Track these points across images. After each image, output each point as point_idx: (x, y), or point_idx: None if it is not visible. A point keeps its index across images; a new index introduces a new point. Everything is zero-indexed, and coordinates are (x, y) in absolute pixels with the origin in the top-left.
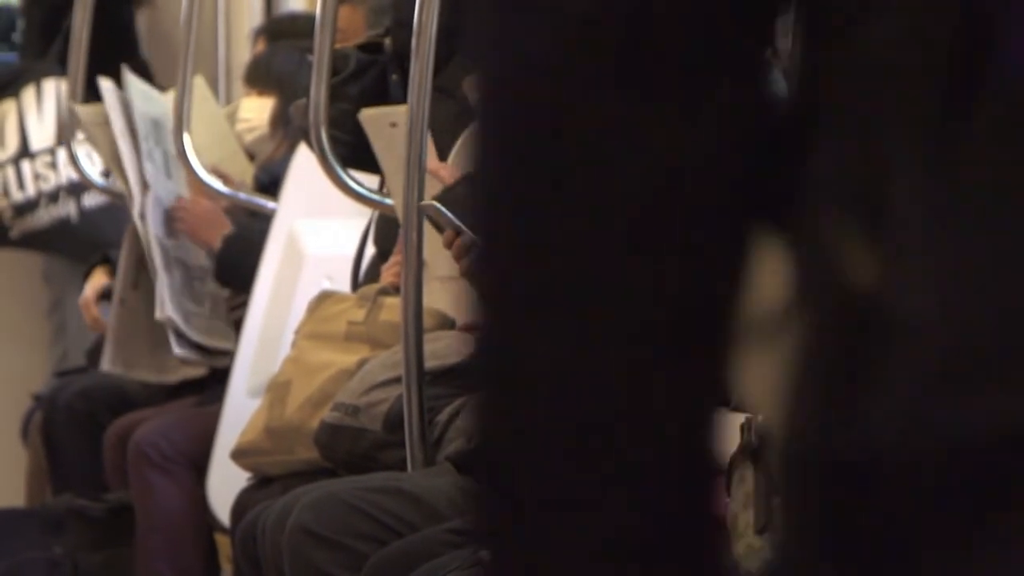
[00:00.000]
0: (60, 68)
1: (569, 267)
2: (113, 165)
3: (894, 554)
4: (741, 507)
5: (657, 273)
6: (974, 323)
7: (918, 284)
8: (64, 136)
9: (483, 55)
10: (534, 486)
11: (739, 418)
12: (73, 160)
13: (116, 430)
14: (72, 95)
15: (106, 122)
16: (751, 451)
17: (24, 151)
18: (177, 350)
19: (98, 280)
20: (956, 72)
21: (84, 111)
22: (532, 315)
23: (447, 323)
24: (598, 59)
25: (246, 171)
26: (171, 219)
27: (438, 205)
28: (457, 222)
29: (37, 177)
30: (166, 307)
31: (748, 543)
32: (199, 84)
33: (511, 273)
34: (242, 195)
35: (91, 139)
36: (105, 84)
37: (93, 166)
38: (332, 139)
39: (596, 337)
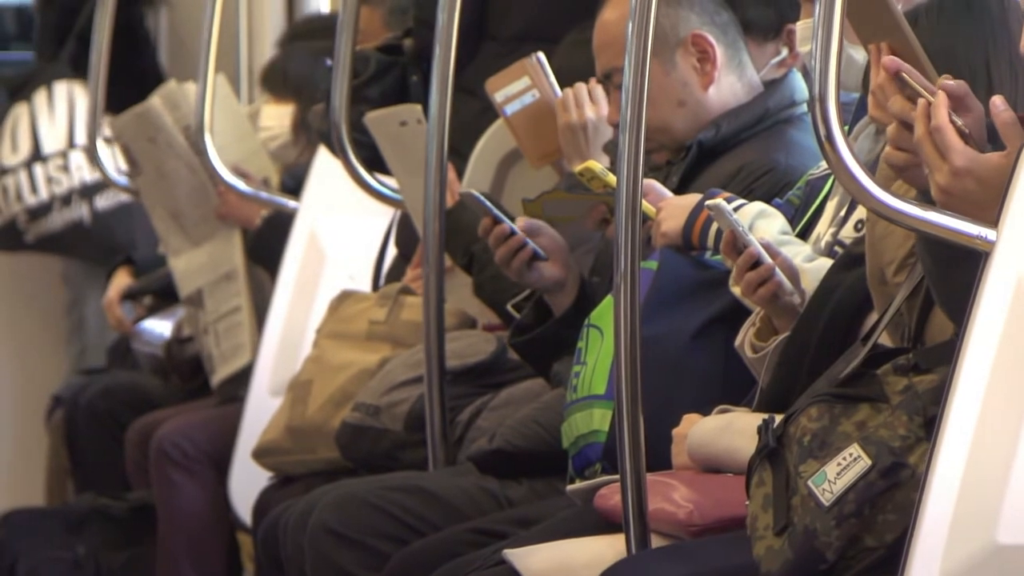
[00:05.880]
0: (71, 70)
1: None
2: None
3: None
4: (760, 509)
5: None
6: None
7: None
8: (89, 136)
9: None
10: None
11: (757, 419)
12: (94, 160)
13: (137, 429)
14: (93, 101)
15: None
16: (769, 453)
17: (37, 155)
18: None
19: (121, 281)
20: None
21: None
22: None
23: (468, 322)
24: None
25: (268, 169)
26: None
27: (475, 193)
28: (496, 211)
29: (50, 180)
30: None
31: (768, 544)
32: (220, 82)
33: None
34: (263, 194)
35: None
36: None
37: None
38: (354, 142)
39: None
